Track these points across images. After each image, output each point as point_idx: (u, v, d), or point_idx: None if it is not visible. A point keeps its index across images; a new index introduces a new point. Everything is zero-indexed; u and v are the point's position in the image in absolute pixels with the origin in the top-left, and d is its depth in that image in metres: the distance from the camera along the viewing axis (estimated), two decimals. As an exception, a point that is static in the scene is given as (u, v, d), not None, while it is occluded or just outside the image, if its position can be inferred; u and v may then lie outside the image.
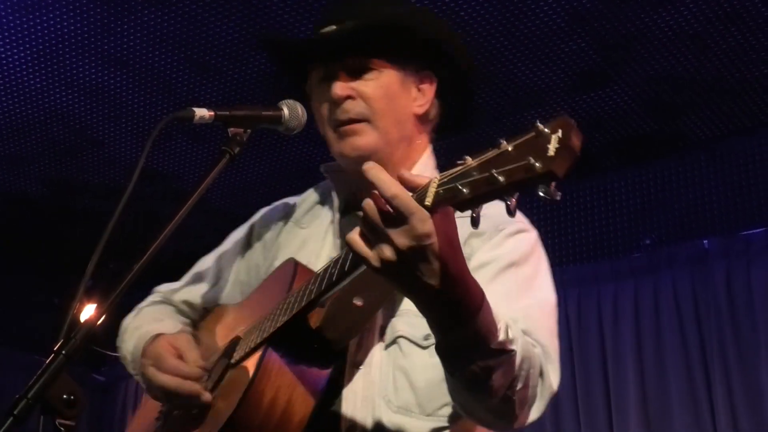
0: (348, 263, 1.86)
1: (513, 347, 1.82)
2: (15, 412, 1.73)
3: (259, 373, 2.03)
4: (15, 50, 5.36)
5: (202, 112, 2.18)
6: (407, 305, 2.15)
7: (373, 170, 1.63)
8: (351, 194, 2.40)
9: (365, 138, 2.28)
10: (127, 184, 2.04)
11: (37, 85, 5.67)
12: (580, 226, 6.65)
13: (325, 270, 1.98)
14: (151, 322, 2.52)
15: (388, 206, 1.59)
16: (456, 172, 1.57)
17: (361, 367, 2.13)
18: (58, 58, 5.42)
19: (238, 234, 2.66)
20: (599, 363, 6.34)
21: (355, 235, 1.67)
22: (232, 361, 2.22)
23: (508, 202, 1.51)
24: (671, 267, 6.23)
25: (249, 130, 2.24)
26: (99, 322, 1.91)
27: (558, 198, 1.46)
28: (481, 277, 2.04)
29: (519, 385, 1.87)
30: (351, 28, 2.30)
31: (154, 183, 6.65)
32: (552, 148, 1.44)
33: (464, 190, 1.53)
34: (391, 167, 2.31)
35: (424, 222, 1.58)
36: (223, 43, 5.27)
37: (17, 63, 5.47)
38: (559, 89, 5.67)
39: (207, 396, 2.18)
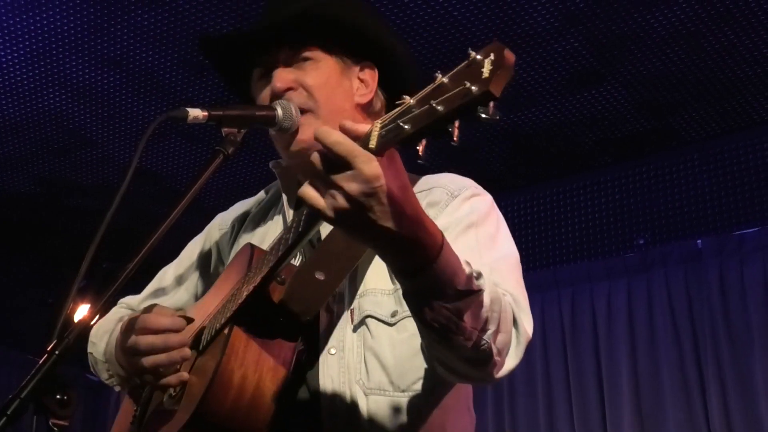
0: (302, 224, 1.87)
1: (480, 287, 1.81)
2: (8, 412, 1.73)
3: (227, 352, 2.02)
4: (8, 50, 5.36)
5: (195, 112, 2.17)
6: (372, 284, 2.17)
7: (319, 129, 1.63)
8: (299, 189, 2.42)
9: (311, 129, 2.25)
10: (121, 183, 2.03)
11: (31, 85, 5.67)
12: (573, 225, 6.66)
13: (279, 239, 1.98)
14: (119, 323, 2.49)
15: (332, 153, 1.60)
16: (396, 112, 1.58)
17: (333, 352, 2.13)
18: (52, 58, 5.42)
19: (197, 241, 2.66)
20: (593, 362, 6.35)
21: (306, 189, 1.66)
22: (200, 347, 2.20)
23: (450, 129, 1.51)
24: (664, 266, 6.24)
25: (243, 130, 2.24)
26: (92, 322, 1.91)
27: (497, 118, 1.48)
28: None
29: (491, 328, 1.85)
30: (283, 18, 2.31)
31: (147, 183, 6.65)
32: (486, 70, 1.46)
33: (406, 127, 1.54)
34: None
35: (369, 164, 1.58)
36: (217, 43, 5.26)
37: (11, 63, 5.47)
38: (552, 89, 5.68)
39: (186, 351, 2.14)
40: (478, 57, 1.49)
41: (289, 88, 2.29)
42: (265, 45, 2.35)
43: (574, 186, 6.68)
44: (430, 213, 2.17)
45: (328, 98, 2.30)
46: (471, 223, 2.14)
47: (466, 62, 1.51)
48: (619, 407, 6.13)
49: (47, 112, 5.93)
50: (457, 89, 1.48)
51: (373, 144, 1.60)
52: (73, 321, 1.92)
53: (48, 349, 1.83)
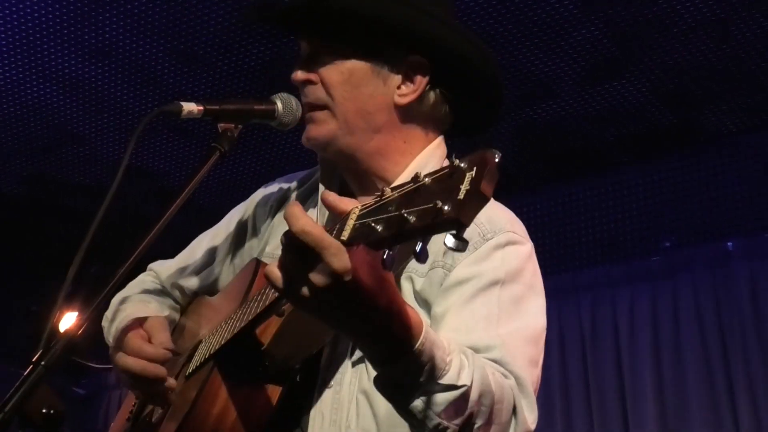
0: None
1: (464, 382, 1.76)
2: (-9, 427, 1.73)
3: (203, 393, 2.06)
4: (-11, 40, 5.37)
5: (190, 107, 2.18)
6: None
7: (288, 210, 1.60)
8: (341, 181, 2.39)
9: (322, 127, 2.26)
10: (111, 182, 2.04)
11: (13, 77, 5.67)
12: (593, 227, 6.65)
13: (267, 289, 1.97)
14: (137, 303, 2.55)
15: (299, 242, 1.56)
16: (375, 204, 1.54)
17: (331, 386, 2.11)
18: (35, 48, 5.42)
19: (236, 213, 2.64)
20: (614, 373, 6.34)
21: (272, 269, 1.64)
22: (187, 373, 2.25)
23: (416, 249, 1.45)
24: (691, 270, 6.23)
25: (240, 126, 2.24)
26: (80, 331, 1.91)
27: (462, 251, 1.46)
28: (458, 296, 2.03)
29: (478, 422, 1.81)
30: (312, 8, 2.27)
31: (139, 181, 6.65)
32: (463, 191, 1.41)
33: (378, 228, 1.49)
34: (364, 159, 2.27)
35: (338, 257, 1.55)
36: (213, 32, 5.27)
37: (-8, 54, 5.48)
38: (570, 80, 5.67)
39: (171, 381, 2.20)
40: (462, 166, 1.44)
41: (308, 81, 2.28)
42: (301, 28, 2.34)
43: (593, 185, 6.67)
44: (456, 253, 2.10)
45: (346, 98, 2.25)
46: (496, 280, 2.07)
47: (448, 169, 1.46)
48: (642, 422, 6.12)
49: (30, 106, 5.93)
50: (430, 204, 1.43)
51: (345, 235, 1.56)
52: (59, 331, 1.92)
53: (33, 360, 1.83)
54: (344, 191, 2.35)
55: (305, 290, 1.59)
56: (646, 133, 6.20)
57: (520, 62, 5.50)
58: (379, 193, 1.53)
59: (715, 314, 6.08)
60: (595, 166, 6.57)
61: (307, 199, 2.48)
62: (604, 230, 6.62)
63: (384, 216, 1.49)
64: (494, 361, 1.93)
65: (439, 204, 1.41)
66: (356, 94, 2.25)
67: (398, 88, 2.27)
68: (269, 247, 2.43)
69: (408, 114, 2.29)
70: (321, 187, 2.38)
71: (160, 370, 2.20)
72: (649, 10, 5.08)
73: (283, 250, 1.61)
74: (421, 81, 2.27)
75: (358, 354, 2.11)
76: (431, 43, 2.26)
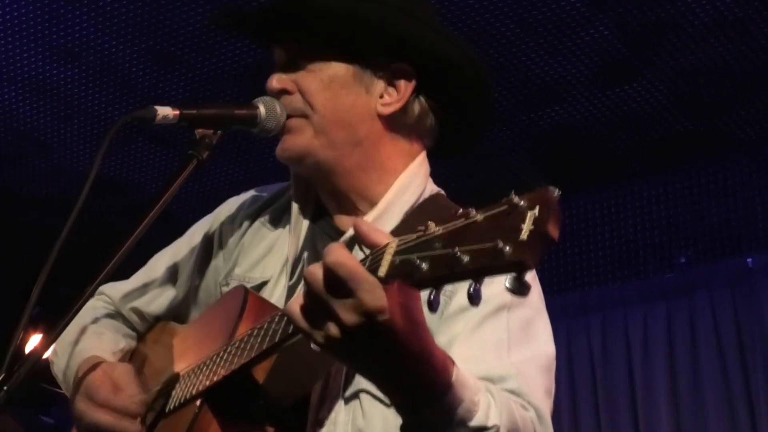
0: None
1: (494, 422, 1.79)
2: (-52, 460, 1.73)
3: None
4: (-51, 40, 5.37)
5: (165, 111, 2.17)
6: None
7: (329, 247, 1.59)
8: (316, 200, 2.38)
9: (298, 137, 2.27)
10: (79, 194, 2.04)
11: (-25, 81, 5.68)
12: (604, 242, 6.66)
13: (269, 323, 1.97)
14: (90, 336, 2.51)
15: (332, 275, 1.55)
16: (417, 239, 1.52)
17: (324, 426, 2.10)
18: (-1, 49, 5.43)
19: (200, 228, 2.61)
20: (627, 400, 6.34)
21: (294, 307, 1.64)
22: (167, 409, 2.23)
23: (471, 290, 1.46)
24: (709, 288, 6.23)
25: (219, 132, 2.23)
26: (46, 354, 1.91)
27: (525, 296, 1.42)
28: (464, 323, 2.05)
29: None
30: (280, 7, 2.28)
31: (110, 193, 6.65)
32: (525, 230, 1.40)
33: (423, 266, 1.48)
34: (343, 176, 2.28)
35: (373, 294, 1.55)
36: (190, 31, 5.28)
37: (-49, 55, 5.48)
38: (579, 84, 5.68)
39: None
40: (522, 204, 1.44)
41: (284, 90, 2.28)
42: (275, 36, 2.34)
43: (603, 197, 6.68)
44: None
45: (326, 107, 2.25)
46: (503, 305, 2.09)
47: (506, 206, 1.46)
48: (657, 451, 6.13)
49: (-6, 111, 5.94)
50: (487, 244, 1.42)
51: (382, 271, 1.55)
52: (24, 354, 1.92)
53: (-6, 385, 1.83)
54: (319, 212, 2.37)
55: (335, 330, 1.58)
56: (661, 141, 6.22)
57: (523, 63, 5.51)
58: (422, 228, 1.52)
59: (734, 335, 6.08)
60: (605, 176, 6.58)
61: (278, 219, 2.47)
62: (615, 245, 6.62)
63: (430, 253, 1.47)
64: (511, 391, 1.95)
65: (501, 244, 1.39)
66: (337, 104, 2.25)
67: (381, 96, 2.27)
68: (239, 269, 2.40)
69: (391, 125, 2.29)
70: (294, 206, 2.38)
71: (134, 426, 2.19)
72: (663, 9, 5.10)
73: (307, 283, 1.59)
74: (406, 89, 2.27)
75: (350, 390, 2.10)
76: (415, 46, 2.26)
